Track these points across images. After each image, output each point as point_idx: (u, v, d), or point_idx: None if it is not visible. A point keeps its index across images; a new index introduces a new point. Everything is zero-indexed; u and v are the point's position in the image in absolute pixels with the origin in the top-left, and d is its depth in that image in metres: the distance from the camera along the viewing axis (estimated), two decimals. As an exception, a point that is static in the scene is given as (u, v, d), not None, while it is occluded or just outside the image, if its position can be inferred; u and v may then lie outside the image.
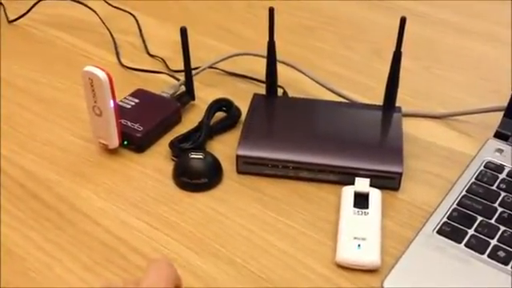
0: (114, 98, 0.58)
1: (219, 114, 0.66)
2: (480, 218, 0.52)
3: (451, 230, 0.51)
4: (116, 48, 0.79)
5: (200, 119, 0.65)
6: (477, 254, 0.49)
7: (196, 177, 0.57)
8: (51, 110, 0.69)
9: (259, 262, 0.51)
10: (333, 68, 0.77)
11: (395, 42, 0.59)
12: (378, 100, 0.65)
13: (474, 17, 0.88)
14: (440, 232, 0.51)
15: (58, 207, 0.56)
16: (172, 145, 0.61)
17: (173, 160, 0.61)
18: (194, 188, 0.58)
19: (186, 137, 0.63)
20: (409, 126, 0.64)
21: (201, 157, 0.58)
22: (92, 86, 0.57)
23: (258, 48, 0.72)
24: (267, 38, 0.62)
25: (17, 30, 0.85)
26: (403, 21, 0.58)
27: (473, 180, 0.56)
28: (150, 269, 0.42)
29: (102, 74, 0.56)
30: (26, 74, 0.75)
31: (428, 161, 0.62)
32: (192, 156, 0.58)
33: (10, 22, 0.85)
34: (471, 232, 0.51)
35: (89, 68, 0.57)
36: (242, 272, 0.50)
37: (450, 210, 0.53)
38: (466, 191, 0.55)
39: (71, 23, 0.86)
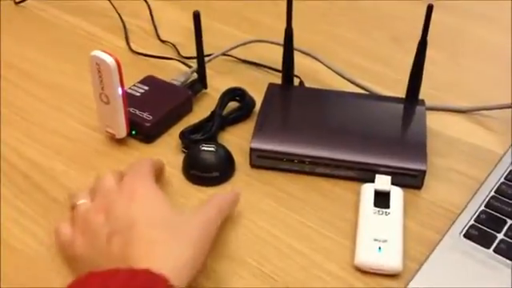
0: (122, 85, 0.55)
1: (232, 104, 0.63)
2: (510, 222, 0.48)
3: (479, 234, 0.48)
4: (126, 32, 0.76)
5: (212, 109, 0.61)
6: (507, 261, 0.46)
7: (207, 170, 0.54)
8: (57, 96, 0.66)
9: (272, 262, 0.48)
10: (351, 57, 0.73)
11: (416, 29, 0.55)
12: (399, 91, 0.61)
13: (501, 5, 0.84)
14: (467, 236, 0.48)
15: (64, 200, 0.53)
16: (182, 136, 0.58)
17: (183, 152, 0.58)
18: (205, 182, 0.55)
19: (197, 127, 0.60)
20: (432, 121, 0.61)
21: (212, 149, 0.55)
22: (99, 72, 0.54)
23: (274, 35, 0.69)
24: (284, 25, 0.59)
25: (23, 11, 0.82)
26: (430, 8, 0.54)
27: (502, 180, 0.52)
28: (130, 164, 0.50)
29: (110, 60, 0.53)
30: (32, 57, 0.72)
31: (452, 158, 0.58)
32: (203, 148, 0.55)
33: (17, 3, 0.82)
34: (501, 236, 0.47)
35: (96, 53, 0.54)
36: (255, 273, 0.48)
37: (478, 211, 0.50)
38: (495, 192, 0.51)
39: (80, 6, 0.83)
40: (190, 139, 0.58)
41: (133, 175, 0.48)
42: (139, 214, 0.43)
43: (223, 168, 0.55)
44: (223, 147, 0.56)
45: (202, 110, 0.64)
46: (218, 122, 0.60)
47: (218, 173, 0.55)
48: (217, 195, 0.50)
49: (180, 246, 0.42)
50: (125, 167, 0.51)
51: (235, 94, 0.63)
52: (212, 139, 0.58)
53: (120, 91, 0.55)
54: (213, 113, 0.61)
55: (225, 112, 0.62)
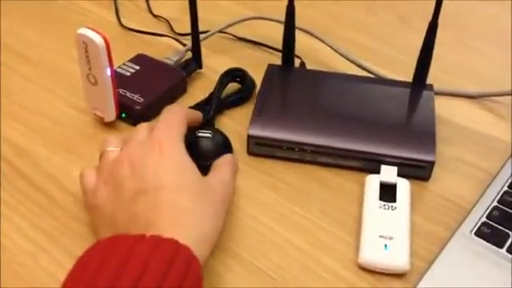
0: (111, 65, 0.51)
1: (231, 86, 0.59)
2: (525, 219, 0.46)
3: (491, 232, 0.45)
4: (116, 6, 0.72)
5: (208, 90, 0.58)
6: (521, 262, 0.43)
7: (203, 158, 0.51)
8: (43, 75, 0.62)
9: (270, 259, 0.45)
10: (355, 37, 0.69)
11: (424, 8, 0.52)
12: (406, 74, 0.58)
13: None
14: (478, 234, 0.45)
15: (47, 188, 0.50)
16: None
17: None
18: (200, 171, 0.51)
19: None
20: (439, 106, 0.57)
21: (209, 135, 0.51)
22: (86, 51, 0.50)
23: (274, 13, 0.65)
24: (285, 2, 0.55)
25: (8, -18, 0.77)
26: (443, -12, 0.51)
27: (516, 174, 0.49)
28: (162, 113, 0.48)
29: (98, 39, 0.49)
30: (16, 31, 0.68)
31: (461, 147, 0.55)
32: (199, 134, 0.51)
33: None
34: (514, 235, 0.45)
35: (83, 31, 0.50)
36: (251, 270, 0.45)
37: (490, 208, 0.47)
38: (508, 187, 0.48)
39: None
40: None
41: (164, 129, 0.45)
42: (167, 176, 0.42)
43: (220, 156, 0.52)
44: (221, 133, 0.53)
45: (196, 92, 0.60)
46: (216, 105, 0.56)
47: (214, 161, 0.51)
48: (227, 156, 0.49)
49: (204, 215, 0.41)
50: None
51: (235, 75, 0.59)
52: (209, 124, 0.54)
53: (109, 72, 0.51)
54: (211, 95, 0.57)
55: (223, 94, 0.58)
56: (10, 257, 0.45)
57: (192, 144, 0.51)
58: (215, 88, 0.57)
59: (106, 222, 0.42)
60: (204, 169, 0.50)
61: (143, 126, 0.47)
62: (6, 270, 0.44)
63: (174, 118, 0.47)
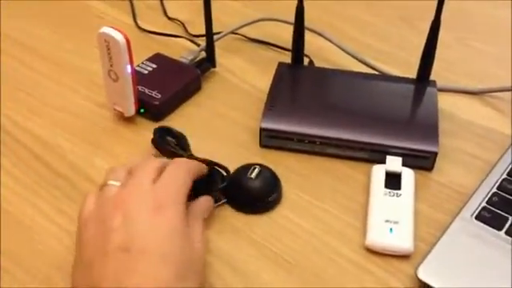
0: (131, 62, 0.54)
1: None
2: (522, 205, 0.48)
3: (491, 216, 0.47)
4: (133, 9, 0.75)
5: (221, 88, 0.61)
6: (519, 243, 0.46)
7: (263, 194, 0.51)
8: (63, 73, 0.65)
9: (282, 242, 0.48)
10: (361, 37, 0.72)
11: (425, 9, 0.55)
12: (409, 72, 0.61)
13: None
14: (479, 218, 0.47)
15: (70, 176, 0.53)
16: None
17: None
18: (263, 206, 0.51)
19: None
20: (442, 102, 0.60)
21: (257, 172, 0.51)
22: (108, 48, 0.53)
23: (283, 14, 0.68)
24: (294, 4, 0.58)
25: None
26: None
27: (515, 163, 0.52)
28: (170, 163, 0.46)
29: (119, 37, 0.52)
30: (36, 32, 0.72)
31: (463, 140, 0.58)
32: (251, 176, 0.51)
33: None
34: (513, 219, 0.47)
35: (105, 29, 0.53)
36: (264, 252, 0.47)
37: (490, 194, 0.49)
38: (507, 174, 0.51)
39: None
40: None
41: (169, 185, 0.43)
42: (156, 241, 0.39)
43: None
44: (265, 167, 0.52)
45: (210, 89, 0.63)
46: None
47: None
48: (204, 201, 0.48)
49: (184, 284, 0.39)
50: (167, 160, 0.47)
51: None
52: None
53: (129, 69, 0.55)
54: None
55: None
56: (35, 238, 0.48)
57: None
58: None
59: (83, 256, 0.40)
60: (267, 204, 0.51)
61: (150, 166, 0.44)
62: (32, 250, 0.47)
63: (182, 175, 0.45)
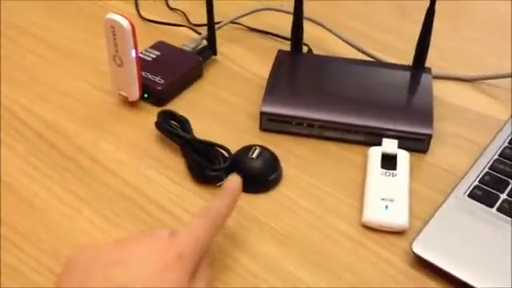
0: (136, 47, 0.56)
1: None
2: (513, 183, 0.50)
3: (483, 194, 0.49)
4: (136, 0, 0.77)
5: (222, 75, 0.63)
6: (509, 219, 0.47)
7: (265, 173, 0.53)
8: (69, 61, 0.67)
9: (282, 219, 0.50)
10: (357, 27, 0.74)
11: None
12: (405, 61, 0.63)
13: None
14: (471, 195, 0.49)
15: (77, 158, 0.55)
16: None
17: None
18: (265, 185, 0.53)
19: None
20: (437, 89, 0.62)
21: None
22: (114, 34, 0.55)
23: (282, 4, 0.70)
24: (295, -8, 0.60)
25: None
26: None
27: (506, 144, 0.54)
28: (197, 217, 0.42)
29: (125, 22, 0.54)
30: (41, 22, 0.73)
31: (457, 124, 0.60)
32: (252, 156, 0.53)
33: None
34: (504, 196, 0.49)
35: (111, 15, 0.54)
36: (265, 229, 0.49)
37: (482, 173, 0.51)
38: (499, 155, 0.53)
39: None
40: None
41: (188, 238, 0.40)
42: None
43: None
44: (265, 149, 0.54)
45: (211, 76, 0.65)
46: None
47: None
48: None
49: None
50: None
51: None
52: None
53: (134, 54, 0.56)
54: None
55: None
56: (44, 215, 0.49)
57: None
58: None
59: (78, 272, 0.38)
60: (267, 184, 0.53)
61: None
62: (46, 229, 0.48)
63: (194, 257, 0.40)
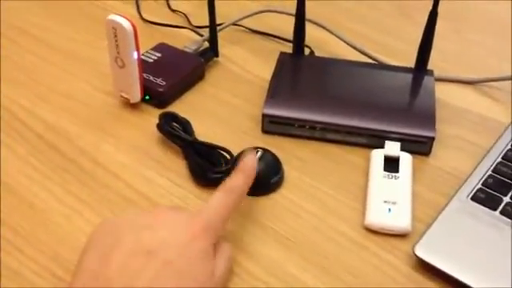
0: (137, 49, 0.56)
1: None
2: (516, 186, 0.50)
3: (486, 197, 0.49)
4: (137, 1, 0.77)
5: (223, 77, 0.62)
6: (512, 222, 0.47)
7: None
8: (69, 62, 0.67)
9: (286, 223, 0.50)
10: (359, 29, 0.74)
11: (423, 1, 0.56)
12: (407, 63, 0.62)
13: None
14: (474, 198, 0.49)
15: (79, 160, 0.55)
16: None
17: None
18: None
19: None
20: (439, 91, 0.62)
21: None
22: (116, 35, 0.55)
23: (283, 5, 0.70)
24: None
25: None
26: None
27: (509, 147, 0.54)
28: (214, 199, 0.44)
29: (126, 24, 0.54)
30: (41, 23, 0.73)
31: (460, 127, 0.59)
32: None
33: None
34: (507, 199, 0.49)
35: (113, 17, 0.54)
36: (267, 231, 0.49)
37: (485, 176, 0.51)
38: (502, 158, 0.53)
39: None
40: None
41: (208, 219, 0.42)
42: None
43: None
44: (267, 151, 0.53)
45: (213, 78, 0.65)
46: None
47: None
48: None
49: None
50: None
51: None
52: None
53: (135, 55, 0.56)
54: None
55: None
56: (45, 217, 0.49)
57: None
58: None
59: (101, 250, 0.39)
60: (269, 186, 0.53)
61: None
62: (46, 231, 0.48)
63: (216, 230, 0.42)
